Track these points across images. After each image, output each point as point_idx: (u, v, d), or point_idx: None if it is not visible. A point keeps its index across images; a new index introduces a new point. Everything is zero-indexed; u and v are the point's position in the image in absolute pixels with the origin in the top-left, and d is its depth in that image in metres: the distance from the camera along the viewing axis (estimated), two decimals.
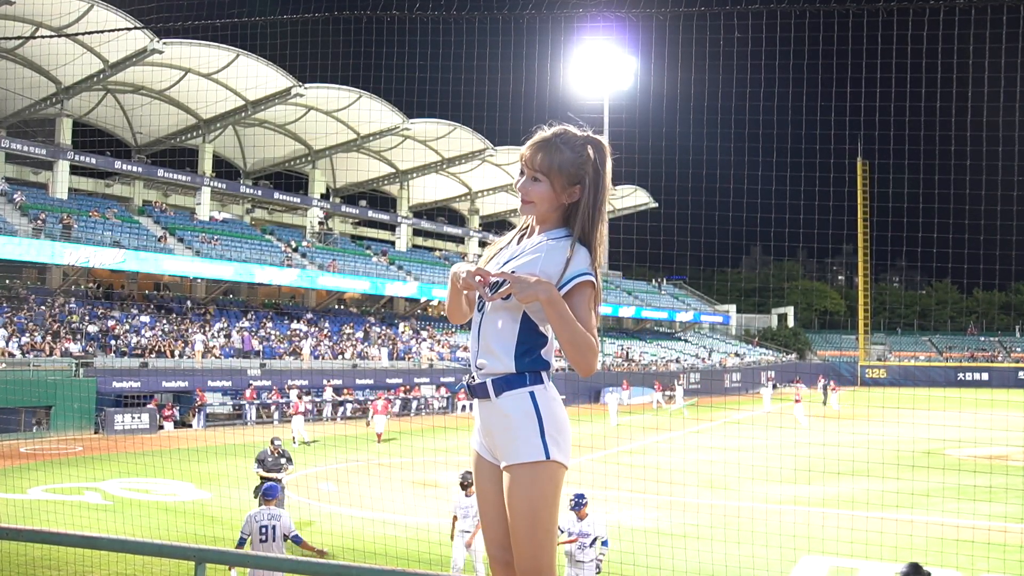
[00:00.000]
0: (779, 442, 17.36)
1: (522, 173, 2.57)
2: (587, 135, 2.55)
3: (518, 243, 2.62)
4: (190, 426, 26.32)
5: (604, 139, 2.58)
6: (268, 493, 8.41)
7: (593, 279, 2.46)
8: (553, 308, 2.37)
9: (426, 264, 47.17)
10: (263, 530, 7.82)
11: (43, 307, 29.12)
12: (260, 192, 43.93)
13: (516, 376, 2.48)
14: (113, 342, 28.27)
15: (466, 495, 9.24)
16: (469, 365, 2.61)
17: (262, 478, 11.28)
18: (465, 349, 39.83)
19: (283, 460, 11.93)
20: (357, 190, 50.15)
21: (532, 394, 2.48)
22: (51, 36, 28.73)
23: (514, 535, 2.46)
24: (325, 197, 47.16)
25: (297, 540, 8.09)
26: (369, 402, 28.84)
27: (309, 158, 44.11)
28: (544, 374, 2.52)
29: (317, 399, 30.74)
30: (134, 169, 38.86)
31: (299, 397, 27.00)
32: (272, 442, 12.12)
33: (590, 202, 2.52)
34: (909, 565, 6.70)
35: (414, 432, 26.33)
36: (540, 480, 2.43)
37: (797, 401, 32.00)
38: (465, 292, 2.62)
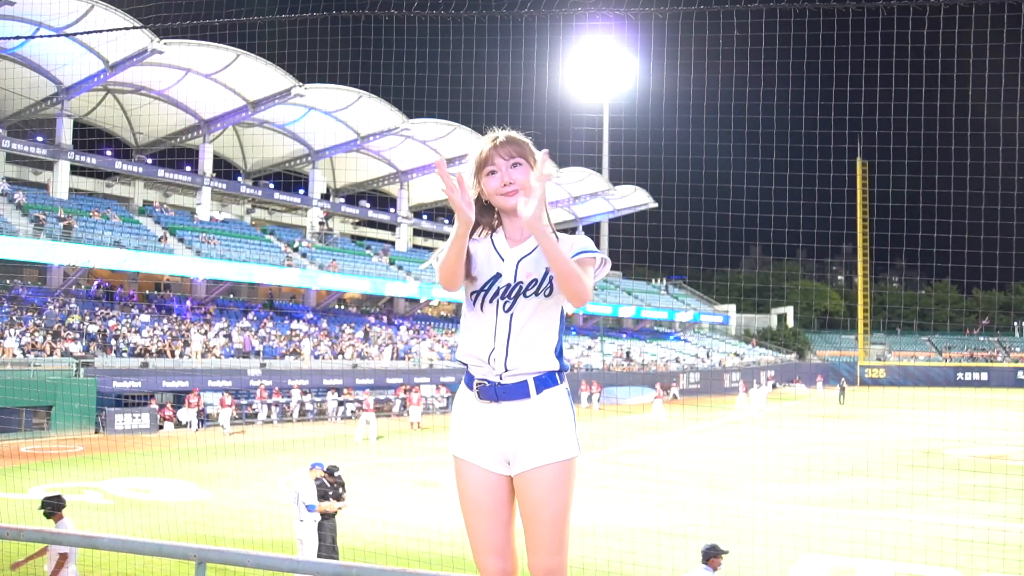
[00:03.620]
0: (779, 442, 17.37)
1: (490, 173, 2.53)
2: None
3: (495, 245, 2.56)
4: (186, 425, 26.22)
5: None
6: (312, 466, 9.84)
7: (597, 255, 2.51)
8: (548, 239, 2.34)
9: None
10: (295, 497, 9.48)
11: (47, 306, 29.11)
12: (260, 192, 43.93)
13: (554, 374, 2.51)
14: (113, 342, 28.28)
15: (54, 522, 7.53)
16: (482, 366, 2.50)
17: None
18: None
19: (340, 490, 10.15)
20: (357, 190, 50.16)
21: (568, 391, 2.55)
22: (51, 36, 28.72)
23: (538, 534, 2.44)
24: (325, 197, 47.15)
25: (311, 509, 9.37)
26: (405, 394, 30.78)
27: (309, 158, 44.11)
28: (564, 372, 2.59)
29: (318, 399, 30.81)
30: (134, 169, 38.86)
31: (226, 394, 26.88)
32: (331, 473, 10.18)
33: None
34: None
35: (414, 432, 26.33)
36: (572, 475, 2.49)
37: (657, 397, 33.25)
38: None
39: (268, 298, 40.76)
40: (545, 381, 2.48)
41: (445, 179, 2.27)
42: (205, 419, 26.71)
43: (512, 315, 2.47)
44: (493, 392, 2.48)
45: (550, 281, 2.46)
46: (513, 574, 2.53)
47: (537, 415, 2.47)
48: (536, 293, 2.47)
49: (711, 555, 7.39)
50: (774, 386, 52.93)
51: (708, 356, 57.68)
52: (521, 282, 2.48)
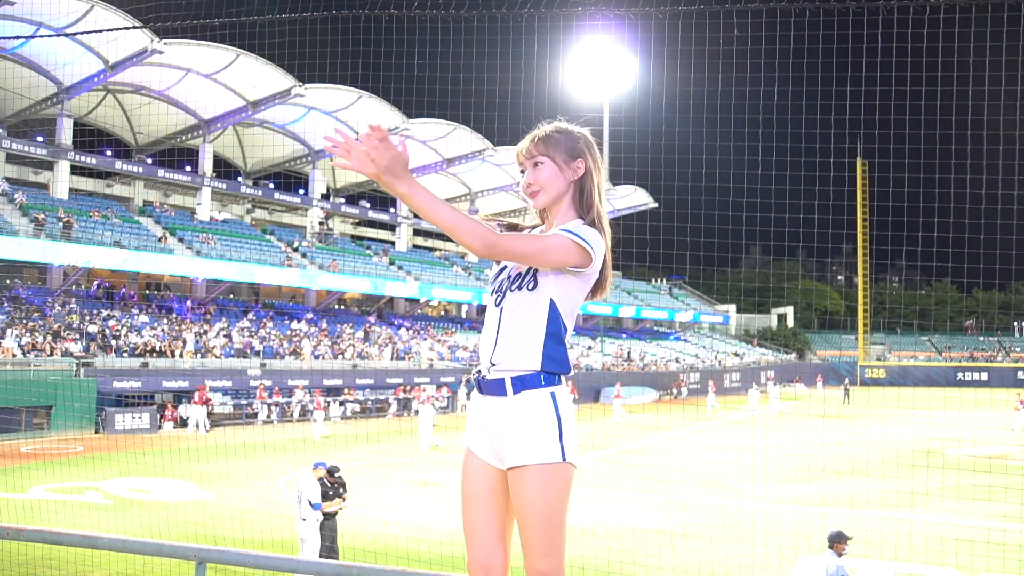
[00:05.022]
0: (779, 442, 17.37)
1: (523, 174, 2.57)
2: (575, 126, 2.59)
3: None
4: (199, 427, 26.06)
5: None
6: (315, 466, 9.99)
7: (582, 242, 2.38)
8: (393, 188, 2.29)
9: (426, 264, 47.14)
10: (298, 496, 9.63)
11: (47, 305, 29.11)
12: (260, 192, 43.93)
13: (537, 375, 2.42)
14: (113, 342, 28.27)
15: None
16: (479, 359, 2.54)
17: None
18: (465, 349, 39.84)
19: (341, 490, 10.28)
20: (357, 190, 50.17)
21: (553, 395, 2.44)
22: (51, 36, 28.72)
23: (527, 536, 2.40)
24: (325, 197, 47.14)
25: (316, 507, 9.49)
26: (407, 392, 32.62)
27: (309, 158, 44.12)
28: (562, 375, 2.48)
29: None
30: (134, 169, 38.87)
31: (199, 390, 26.87)
32: (332, 474, 10.27)
33: (595, 178, 2.54)
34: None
35: (414, 431, 26.33)
36: (556, 481, 2.39)
37: (616, 397, 33.74)
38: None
39: (255, 296, 40.75)
40: (524, 381, 2.41)
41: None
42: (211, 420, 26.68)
43: (502, 309, 2.48)
44: (479, 386, 2.52)
45: (533, 275, 2.45)
46: (500, 569, 2.49)
47: (514, 416, 2.42)
48: (519, 287, 2.46)
49: (836, 540, 7.78)
50: (774, 385, 52.90)
51: (715, 357, 57.69)
52: (510, 275, 2.51)
